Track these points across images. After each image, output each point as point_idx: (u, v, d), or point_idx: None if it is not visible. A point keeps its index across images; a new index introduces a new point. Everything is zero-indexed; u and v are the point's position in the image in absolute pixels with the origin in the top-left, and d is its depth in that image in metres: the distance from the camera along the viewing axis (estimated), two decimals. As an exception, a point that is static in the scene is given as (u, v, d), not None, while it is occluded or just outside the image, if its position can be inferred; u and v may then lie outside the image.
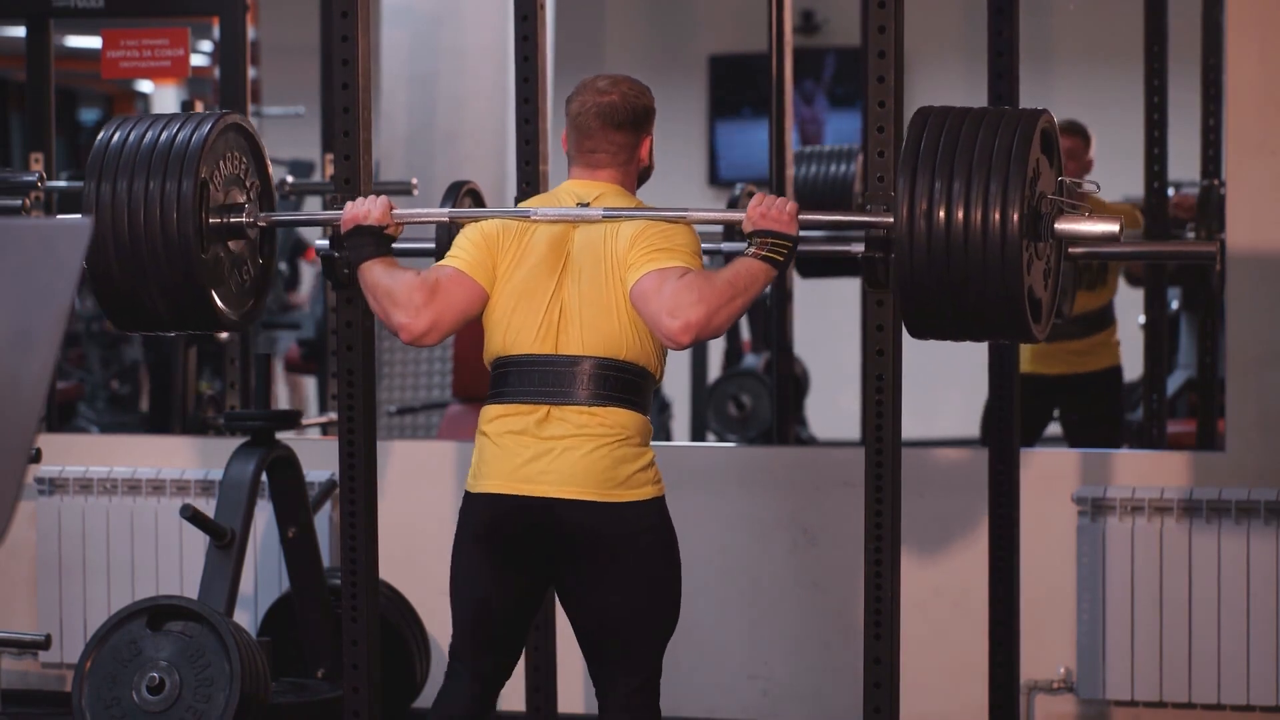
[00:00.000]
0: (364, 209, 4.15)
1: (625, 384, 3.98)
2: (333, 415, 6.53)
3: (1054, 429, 7.32)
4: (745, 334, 8.61)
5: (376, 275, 4.09)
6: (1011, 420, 4.96)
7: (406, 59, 8.42)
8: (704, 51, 11.13)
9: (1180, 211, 6.75)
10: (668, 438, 8.53)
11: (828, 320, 8.77)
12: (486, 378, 4.11)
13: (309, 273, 9.95)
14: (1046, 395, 6.87)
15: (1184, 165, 7.08)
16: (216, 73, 7.51)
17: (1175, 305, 7.40)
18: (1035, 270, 3.87)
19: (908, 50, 4.27)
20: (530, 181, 4.85)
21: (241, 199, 4.33)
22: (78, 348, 9.35)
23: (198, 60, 10.00)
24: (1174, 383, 7.57)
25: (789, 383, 6.45)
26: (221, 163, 4.28)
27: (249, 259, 4.38)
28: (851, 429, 7.95)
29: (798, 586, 5.72)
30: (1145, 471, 5.51)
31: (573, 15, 10.21)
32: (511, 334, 4.01)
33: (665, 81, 11.20)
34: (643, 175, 4.18)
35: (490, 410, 4.03)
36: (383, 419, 7.80)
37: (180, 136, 4.19)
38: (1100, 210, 6.83)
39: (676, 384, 8.84)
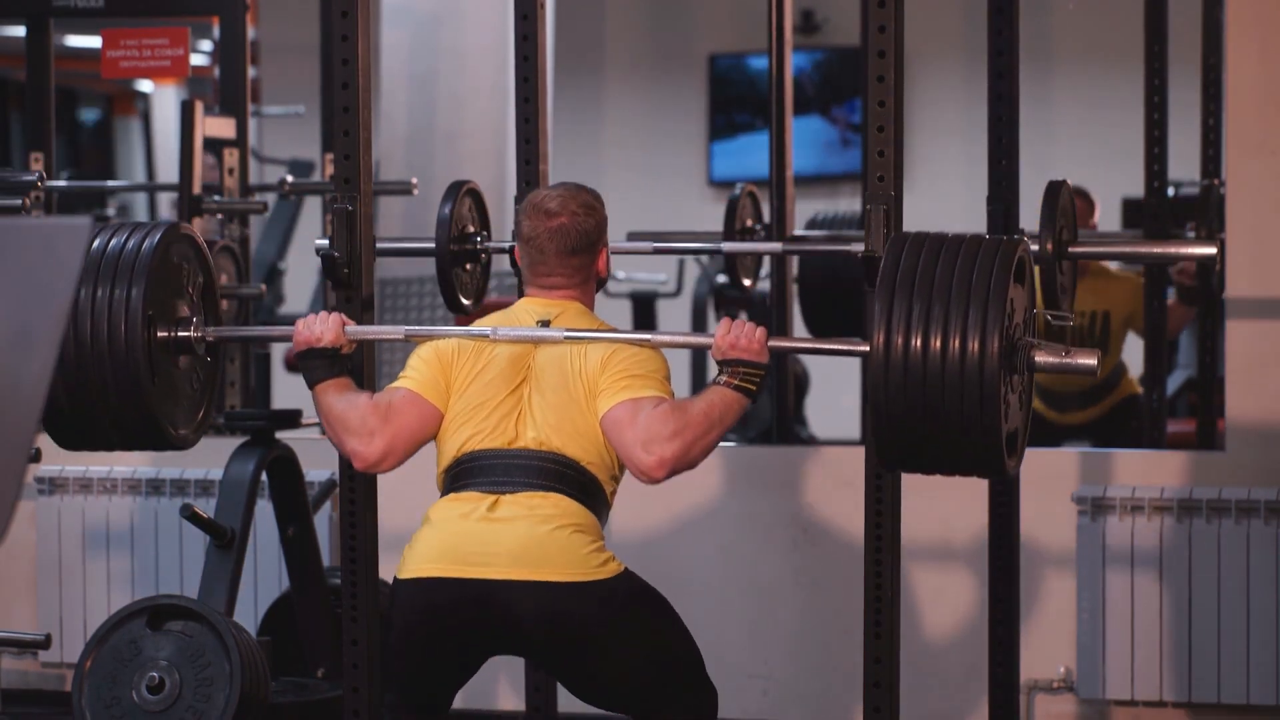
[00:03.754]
0: (316, 332, 4.04)
1: (581, 485, 3.87)
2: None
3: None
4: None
5: (330, 400, 3.99)
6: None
7: (406, 59, 8.42)
8: (704, 51, 11.12)
9: (1183, 278, 6.76)
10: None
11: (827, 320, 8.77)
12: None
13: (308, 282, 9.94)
14: (1060, 437, 6.89)
15: (1184, 165, 7.08)
16: (216, 72, 7.52)
17: (1171, 300, 7.39)
18: (1010, 403, 3.78)
19: (908, 50, 4.27)
20: (530, 181, 4.85)
21: (189, 314, 4.19)
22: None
23: (198, 60, 10.00)
24: (1174, 383, 7.57)
25: (789, 383, 6.45)
26: (170, 274, 4.13)
27: (197, 374, 4.23)
28: (851, 429, 7.95)
29: (798, 586, 5.72)
30: (1145, 471, 5.51)
31: (573, 15, 10.21)
32: (466, 440, 3.91)
33: (665, 81, 11.22)
34: (600, 284, 4.13)
35: (435, 504, 3.92)
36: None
37: (129, 247, 4.04)
38: (1104, 278, 6.84)
39: (676, 384, 8.83)
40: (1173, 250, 5.18)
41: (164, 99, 12.64)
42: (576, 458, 3.88)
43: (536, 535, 3.81)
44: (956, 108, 10.46)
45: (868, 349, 3.78)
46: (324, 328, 4.05)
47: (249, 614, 5.78)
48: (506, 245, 4.73)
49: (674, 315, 9.07)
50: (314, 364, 4.04)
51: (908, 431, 3.74)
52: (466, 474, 3.90)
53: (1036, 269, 3.95)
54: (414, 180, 6.84)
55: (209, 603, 4.93)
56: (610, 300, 9.19)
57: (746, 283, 5.76)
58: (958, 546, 5.61)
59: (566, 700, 5.50)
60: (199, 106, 6.31)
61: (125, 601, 5.26)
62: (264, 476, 5.30)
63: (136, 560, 6.01)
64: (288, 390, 8.41)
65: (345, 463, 4.44)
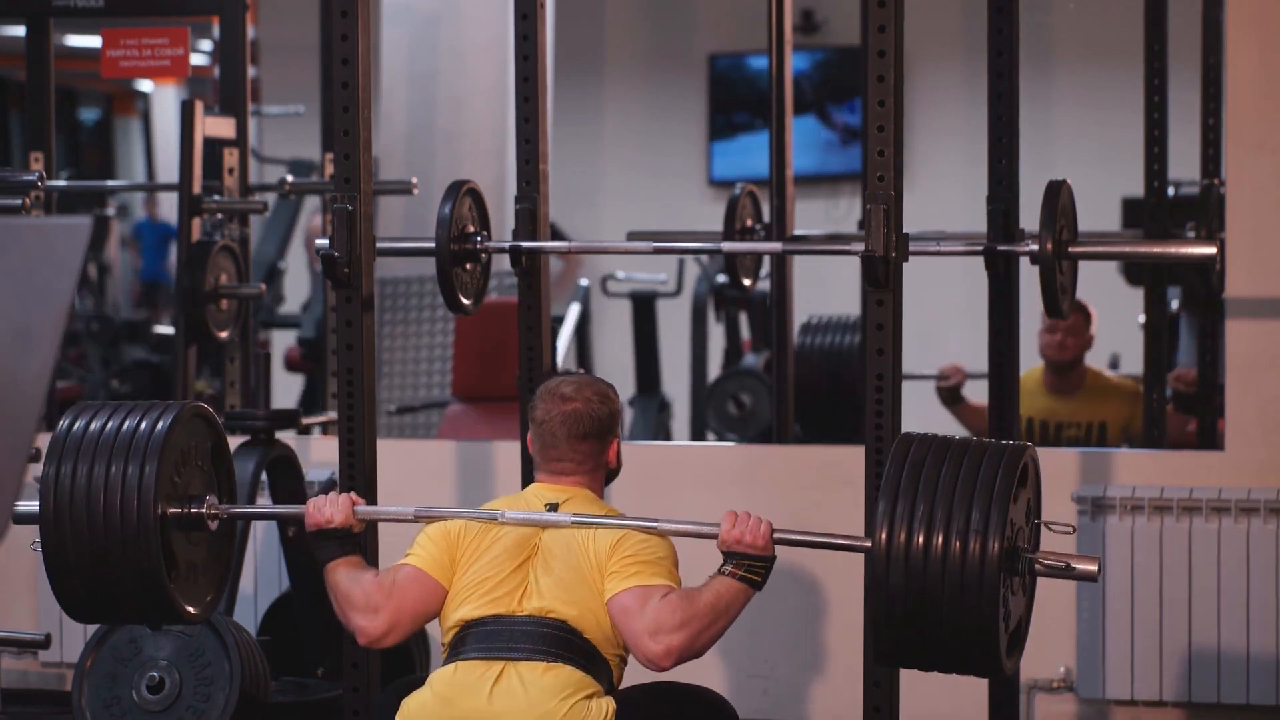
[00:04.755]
0: (326, 514, 4.06)
1: (586, 653, 3.91)
2: (333, 414, 6.53)
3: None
4: (745, 333, 8.61)
5: (338, 578, 4.02)
6: (1011, 420, 4.96)
7: (406, 58, 8.42)
8: (704, 51, 11.13)
9: (1179, 385, 6.76)
10: (668, 437, 8.53)
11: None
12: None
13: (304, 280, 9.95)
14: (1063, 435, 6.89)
15: (1184, 165, 7.08)
16: (216, 72, 7.52)
17: (1175, 305, 7.40)
18: (1013, 604, 3.79)
19: (908, 50, 4.27)
20: (530, 181, 4.85)
21: (202, 489, 4.14)
22: (78, 347, 9.36)
23: (198, 60, 10.01)
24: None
25: (789, 383, 6.45)
26: (183, 454, 4.09)
27: (209, 552, 4.18)
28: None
29: (798, 586, 5.72)
30: (1145, 470, 5.51)
31: (573, 15, 10.21)
32: (470, 609, 3.94)
33: (665, 81, 11.22)
34: (610, 475, 4.18)
35: (440, 671, 3.94)
36: (383, 419, 7.80)
37: (143, 426, 4.01)
38: (1102, 390, 6.83)
39: (676, 383, 8.84)
40: (1173, 250, 5.18)
41: (164, 99, 12.65)
42: (579, 628, 3.92)
43: (543, 713, 3.85)
44: (956, 108, 10.47)
45: (869, 545, 3.79)
46: (334, 509, 4.08)
47: (249, 614, 5.78)
48: (506, 245, 4.73)
49: (674, 315, 9.07)
50: (325, 544, 4.07)
51: (905, 630, 3.75)
52: (470, 639, 3.94)
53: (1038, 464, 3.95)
54: (414, 180, 6.84)
55: (209, 603, 4.93)
56: (611, 300, 9.20)
57: (746, 283, 5.76)
58: (958, 546, 5.61)
59: (566, 700, 5.49)
60: (199, 106, 6.31)
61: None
62: (264, 476, 5.30)
63: (136, 560, 6.00)
64: (288, 390, 8.42)
65: (345, 463, 4.44)
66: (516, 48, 4.89)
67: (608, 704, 3.90)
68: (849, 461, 5.55)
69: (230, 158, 6.42)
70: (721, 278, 7.97)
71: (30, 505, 4.01)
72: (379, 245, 4.49)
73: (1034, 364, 6.67)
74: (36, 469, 6.03)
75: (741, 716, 5.73)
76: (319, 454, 5.73)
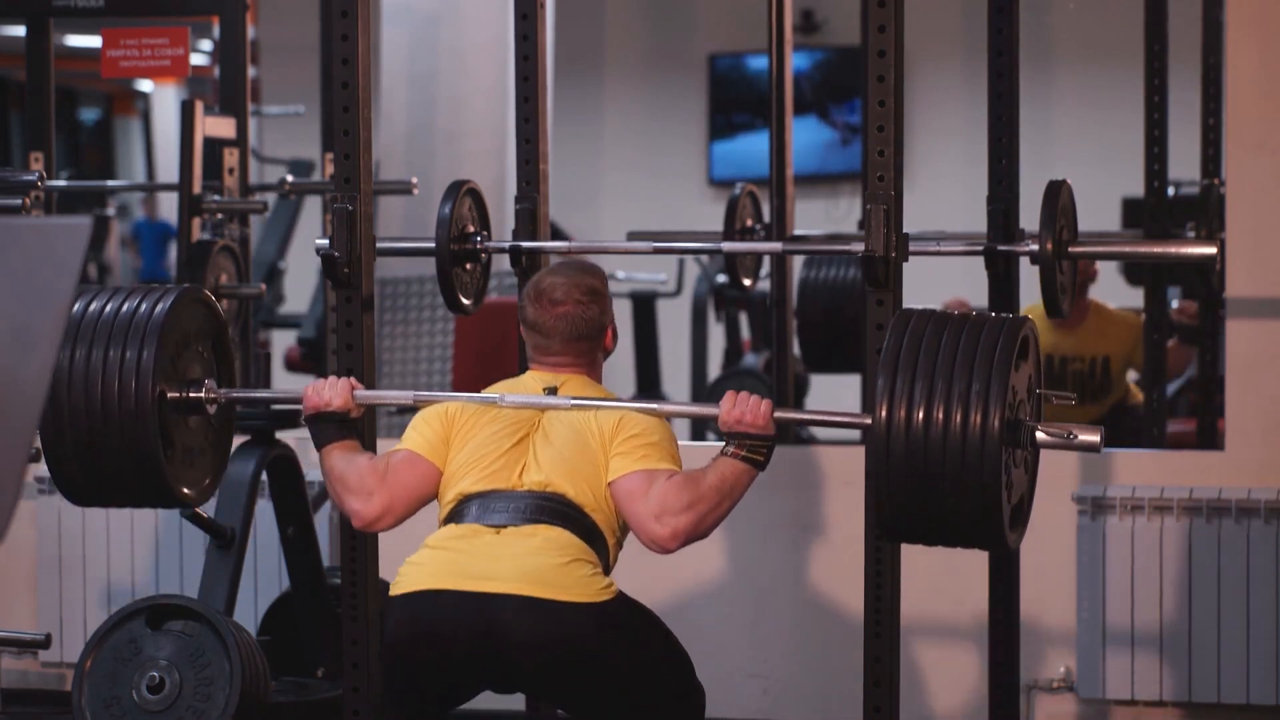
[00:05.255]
0: (325, 397, 4.07)
1: (583, 525, 3.89)
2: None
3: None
4: (745, 333, 8.61)
5: (334, 461, 4.02)
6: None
7: (406, 58, 8.42)
8: (704, 51, 11.13)
9: (1183, 317, 6.76)
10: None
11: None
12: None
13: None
14: None
15: (1184, 165, 7.08)
16: (216, 72, 7.52)
17: (1175, 305, 7.40)
18: (1015, 478, 3.78)
19: (908, 50, 4.27)
20: (530, 180, 4.85)
21: (201, 373, 4.18)
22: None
23: (198, 60, 10.02)
24: (1174, 382, 7.57)
25: (789, 383, 6.45)
26: (183, 337, 4.13)
27: (207, 435, 4.22)
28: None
29: (798, 586, 5.72)
30: (1145, 471, 5.51)
31: (573, 15, 10.21)
32: (467, 486, 3.92)
33: (665, 81, 11.22)
34: (606, 355, 4.16)
35: (434, 533, 3.93)
36: (383, 419, 7.80)
37: (142, 309, 4.05)
38: (1104, 321, 6.84)
39: (676, 383, 8.84)
40: (1173, 250, 5.18)
41: (164, 99, 12.65)
42: (580, 503, 3.90)
43: (538, 561, 3.82)
44: (956, 108, 10.47)
45: (869, 422, 3.78)
46: (333, 393, 4.08)
47: (249, 614, 5.78)
48: (506, 245, 4.73)
49: (674, 315, 9.07)
50: (323, 427, 4.07)
51: (908, 506, 3.74)
52: (467, 510, 3.91)
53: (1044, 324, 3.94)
54: (414, 180, 6.84)
55: (209, 603, 4.93)
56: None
57: (746, 283, 5.76)
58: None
59: (566, 700, 5.50)
60: (199, 106, 6.31)
61: (125, 601, 5.26)
62: (264, 476, 5.30)
63: (136, 560, 6.01)
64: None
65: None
66: (516, 48, 4.89)
67: (611, 583, 3.86)
68: (849, 461, 5.55)
69: (230, 158, 6.42)
70: (721, 278, 7.97)
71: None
72: (379, 245, 4.48)
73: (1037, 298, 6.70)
74: (37, 469, 6.04)
75: (741, 717, 5.74)
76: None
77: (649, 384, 8.41)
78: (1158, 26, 6.55)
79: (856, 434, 7.42)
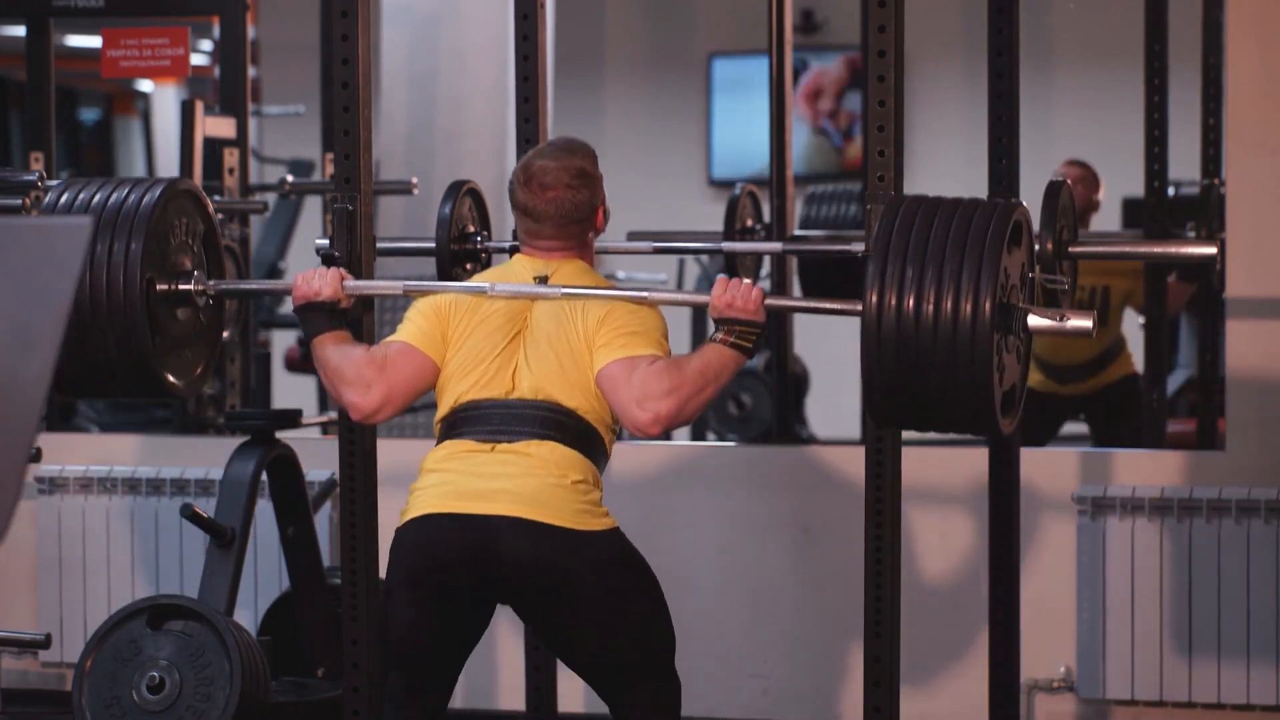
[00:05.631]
0: (315, 286, 4.07)
1: (578, 433, 3.89)
2: (333, 415, 6.53)
3: (1071, 428, 7.33)
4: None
5: (327, 352, 4.01)
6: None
7: (406, 58, 8.41)
8: (704, 51, 11.12)
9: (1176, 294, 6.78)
10: (668, 437, 8.52)
11: (828, 320, 8.76)
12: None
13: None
14: (1063, 410, 6.90)
15: (1184, 165, 7.08)
16: (216, 72, 7.52)
17: (1171, 279, 7.40)
18: (1006, 363, 3.77)
19: (908, 50, 4.27)
20: (530, 181, 4.84)
21: (191, 266, 4.21)
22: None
23: (198, 60, 10.00)
24: (1174, 382, 7.57)
25: (789, 382, 6.45)
26: (172, 229, 4.15)
27: (199, 325, 4.26)
28: (851, 429, 7.94)
29: (798, 586, 5.72)
30: (1145, 471, 5.51)
31: (573, 15, 10.20)
32: (464, 391, 3.92)
33: (665, 81, 11.22)
34: (597, 235, 4.14)
35: (431, 452, 3.94)
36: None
37: (130, 200, 4.08)
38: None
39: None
40: (1173, 250, 5.19)
41: (164, 99, 12.64)
42: (573, 407, 3.90)
43: (534, 481, 3.84)
44: (956, 108, 10.46)
45: (860, 307, 3.77)
46: (323, 282, 4.08)
47: (249, 614, 5.78)
48: (506, 245, 4.73)
49: (673, 315, 9.06)
50: (313, 317, 4.06)
51: (901, 390, 3.72)
52: (463, 423, 3.91)
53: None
54: (414, 180, 6.84)
55: (209, 603, 4.93)
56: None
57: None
58: (957, 546, 5.61)
59: (566, 700, 5.50)
60: (199, 106, 6.31)
61: (125, 601, 5.26)
62: (264, 476, 5.30)
63: (136, 560, 6.01)
64: (288, 390, 8.42)
65: (345, 463, 4.44)
66: (516, 48, 4.89)
67: (608, 518, 3.87)
68: (849, 461, 5.55)
69: (230, 158, 6.43)
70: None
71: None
72: (379, 245, 4.49)
73: None
74: (37, 469, 6.04)
75: (741, 717, 5.73)
76: (319, 454, 5.73)
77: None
78: (1158, 26, 6.55)
79: (856, 434, 7.42)
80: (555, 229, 4.04)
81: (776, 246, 5.88)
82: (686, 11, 11.22)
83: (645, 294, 3.99)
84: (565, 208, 4.02)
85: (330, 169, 6.98)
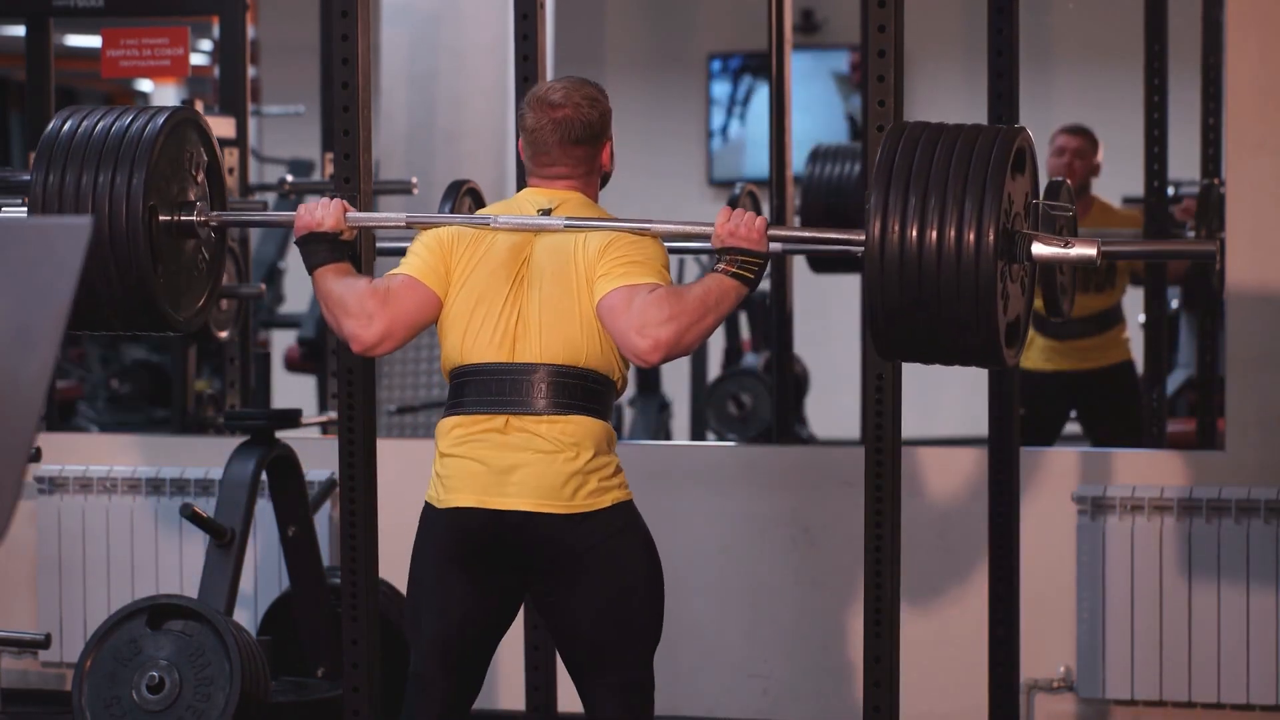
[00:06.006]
0: (318, 216, 4.03)
1: (586, 391, 3.89)
2: (333, 415, 6.54)
3: (1071, 427, 7.33)
4: (745, 333, 8.61)
5: (329, 283, 3.98)
6: (1011, 419, 4.96)
7: (406, 58, 8.42)
8: (703, 51, 11.12)
9: (1185, 216, 6.76)
10: (668, 437, 8.53)
11: (828, 320, 8.77)
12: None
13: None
14: (1060, 393, 6.89)
15: (1184, 165, 7.08)
16: (216, 72, 7.52)
17: (1175, 305, 7.40)
18: (1011, 292, 3.74)
19: (908, 50, 4.27)
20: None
21: (194, 197, 4.18)
22: (78, 347, 9.36)
23: (198, 59, 10.00)
24: (1174, 382, 7.57)
25: (789, 382, 6.45)
26: (174, 159, 4.13)
27: (202, 256, 4.23)
28: (851, 429, 7.95)
29: (798, 586, 5.72)
30: (1145, 471, 5.51)
31: (573, 15, 10.20)
32: (468, 341, 3.91)
33: (665, 81, 11.21)
34: (604, 179, 4.11)
35: (447, 423, 3.94)
36: (383, 419, 7.80)
37: (132, 129, 4.04)
38: (1107, 215, 6.85)
39: (676, 383, 8.84)
40: (1173, 250, 5.19)
41: (164, 99, 12.64)
42: (576, 362, 3.89)
43: (547, 470, 3.86)
44: (956, 108, 10.45)
45: (863, 238, 3.74)
46: (325, 213, 4.05)
47: (249, 614, 5.78)
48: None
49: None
50: (315, 248, 4.04)
51: (904, 322, 3.69)
52: (470, 388, 3.91)
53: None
54: (414, 180, 6.83)
55: (209, 603, 4.93)
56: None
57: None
58: (958, 546, 5.61)
59: (566, 700, 5.50)
60: (199, 106, 6.31)
61: (125, 601, 5.26)
62: (264, 476, 5.30)
63: (136, 560, 6.01)
64: (288, 390, 8.42)
65: (345, 463, 4.44)
66: (516, 48, 4.89)
67: (616, 493, 3.90)
68: (849, 461, 5.55)
69: (230, 158, 6.43)
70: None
71: (19, 211, 4.00)
72: (379, 245, 4.48)
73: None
74: (37, 469, 6.04)
75: (741, 717, 5.73)
76: (319, 454, 5.73)
77: (649, 384, 8.41)
78: (1158, 26, 6.55)
79: (856, 435, 7.42)
80: (562, 151, 4.00)
81: (776, 247, 5.88)
82: (686, 11, 11.22)
83: (647, 225, 3.96)
84: (574, 128, 3.99)
85: (330, 169, 6.98)
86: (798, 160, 6.26)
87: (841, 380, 7.91)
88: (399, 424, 7.98)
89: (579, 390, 3.89)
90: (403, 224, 4.11)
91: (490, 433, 3.89)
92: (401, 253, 4.44)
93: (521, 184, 4.86)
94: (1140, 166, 6.50)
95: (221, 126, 6.45)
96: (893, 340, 3.76)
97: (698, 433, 8.02)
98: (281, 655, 5.38)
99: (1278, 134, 5.40)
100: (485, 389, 3.90)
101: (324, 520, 5.75)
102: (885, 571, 4.16)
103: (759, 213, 5.84)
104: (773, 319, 6.34)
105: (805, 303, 7.10)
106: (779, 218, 6.04)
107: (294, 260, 9.36)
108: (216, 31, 7.19)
